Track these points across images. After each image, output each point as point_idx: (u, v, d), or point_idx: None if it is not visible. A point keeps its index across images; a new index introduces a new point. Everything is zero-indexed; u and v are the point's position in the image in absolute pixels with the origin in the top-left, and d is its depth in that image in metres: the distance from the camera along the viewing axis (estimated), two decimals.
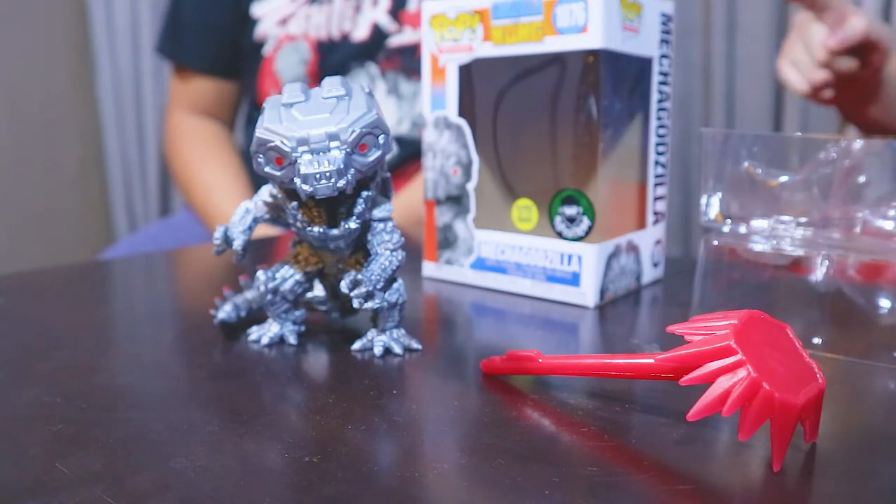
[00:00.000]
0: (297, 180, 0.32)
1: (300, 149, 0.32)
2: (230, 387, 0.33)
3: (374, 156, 0.33)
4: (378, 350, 0.37)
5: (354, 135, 0.32)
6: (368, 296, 0.35)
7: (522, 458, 0.26)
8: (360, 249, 0.37)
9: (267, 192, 0.37)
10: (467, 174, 0.50)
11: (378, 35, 0.90)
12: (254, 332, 0.39)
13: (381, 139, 0.33)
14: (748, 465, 0.26)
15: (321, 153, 0.32)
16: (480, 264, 0.51)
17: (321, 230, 0.35)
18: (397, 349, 0.37)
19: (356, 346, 0.38)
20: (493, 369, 0.34)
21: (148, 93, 1.63)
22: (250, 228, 0.37)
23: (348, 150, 0.32)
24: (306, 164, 0.31)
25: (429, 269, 0.54)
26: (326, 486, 0.24)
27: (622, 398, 0.31)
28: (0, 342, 0.39)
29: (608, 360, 0.29)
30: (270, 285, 0.38)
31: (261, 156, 0.33)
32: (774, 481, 0.24)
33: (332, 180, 0.31)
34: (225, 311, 0.41)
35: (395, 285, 0.37)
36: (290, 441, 0.27)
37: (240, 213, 0.37)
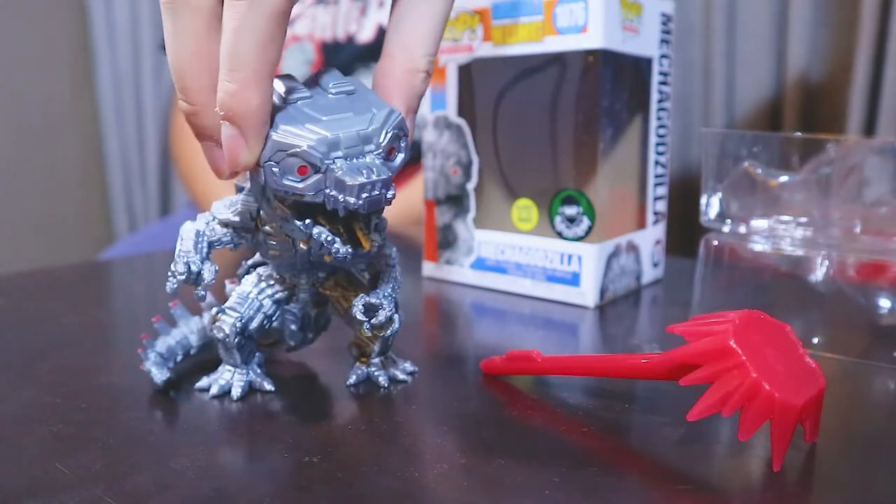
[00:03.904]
0: (335, 192, 0.26)
1: (332, 154, 0.26)
2: None
3: (399, 160, 0.28)
4: (383, 381, 0.33)
5: (388, 137, 0.27)
6: (389, 320, 0.31)
7: (522, 458, 0.26)
8: (337, 271, 0.33)
9: (228, 210, 0.30)
10: (467, 174, 0.50)
11: (383, 37, 0.90)
12: (214, 387, 0.32)
13: (402, 142, 0.28)
14: (748, 465, 0.26)
15: (356, 158, 0.27)
16: (480, 264, 0.51)
17: (348, 250, 0.28)
18: (401, 377, 0.34)
19: (352, 380, 0.33)
20: (493, 369, 0.34)
21: (148, 93, 1.63)
22: (209, 256, 0.30)
23: (382, 154, 0.27)
24: (348, 174, 0.26)
25: (429, 269, 0.54)
26: (326, 486, 0.24)
27: (622, 398, 0.31)
28: (0, 342, 0.39)
29: (608, 360, 0.29)
30: (239, 325, 0.31)
31: (275, 165, 0.26)
32: (774, 481, 0.24)
33: (382, 191, 0.26)
34: (154, 364, 0.32)
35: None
36: (290, 441, 0.27)
37: (190, 238, 0.30)
